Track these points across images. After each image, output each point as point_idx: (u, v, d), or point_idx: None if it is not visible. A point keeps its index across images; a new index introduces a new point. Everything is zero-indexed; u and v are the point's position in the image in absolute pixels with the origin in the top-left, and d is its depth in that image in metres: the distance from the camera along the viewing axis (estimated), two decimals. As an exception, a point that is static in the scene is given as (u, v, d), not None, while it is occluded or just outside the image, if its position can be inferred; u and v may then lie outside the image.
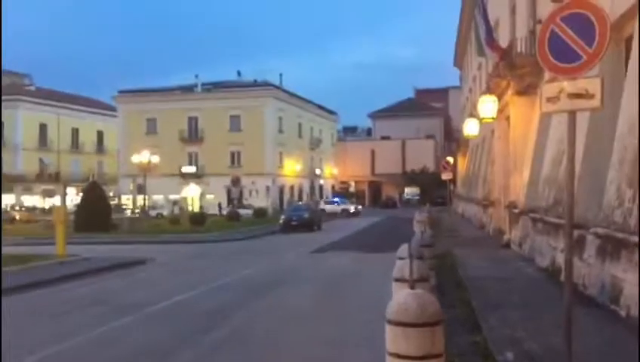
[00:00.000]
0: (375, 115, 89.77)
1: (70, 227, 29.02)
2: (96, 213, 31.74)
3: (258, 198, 57.54)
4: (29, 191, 62.51)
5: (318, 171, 73.93)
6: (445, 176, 28.82)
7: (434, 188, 68.61)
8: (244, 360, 7.01)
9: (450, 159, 43.75)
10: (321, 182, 76.01)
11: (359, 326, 8.53)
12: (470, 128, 23.28)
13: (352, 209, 53.29)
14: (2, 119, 61.91)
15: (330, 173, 78.87)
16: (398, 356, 5.14)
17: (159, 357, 7.20)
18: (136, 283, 14.27)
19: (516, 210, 16.67)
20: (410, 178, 78.84)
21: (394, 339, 5.19)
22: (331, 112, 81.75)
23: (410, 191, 78.18)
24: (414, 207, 52.56)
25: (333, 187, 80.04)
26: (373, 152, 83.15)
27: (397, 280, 7.60)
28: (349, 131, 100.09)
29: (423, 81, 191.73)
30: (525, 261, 13.77)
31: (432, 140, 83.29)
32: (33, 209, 53.98)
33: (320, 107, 77.01)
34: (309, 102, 73.32)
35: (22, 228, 37.74)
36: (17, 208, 55.51)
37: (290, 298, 11.64)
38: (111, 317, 9.64)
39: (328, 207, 52.77)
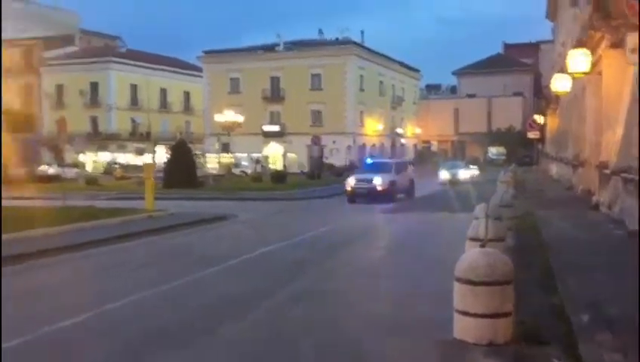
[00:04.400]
0: (460, 73, 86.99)
1: (159, 183, 30.51)
2: (182, 171, 33.03)
3: (339, 157, 57.72)
4: (122, 148, 65.77)
5: (399, 130, 72.98)
6: (532, 134, 27.73)
7: (520, 148, 66.16)
8: (318, 311, 7.21)
9: (539, 117, 41.88)
10: (403, 141, 75.08)
11: (430, 284, 8.51)
12: (560, 84, 22.02)
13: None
14: (97, 79, 65.23)
15: (412, 132, 77.69)
16: (466, 314, 5.13)
17: (239, 306, 7.53)
18: (218, 238, 14.86)
19: (607, 171, 15.82)
20: (495, 137, 76.35)
21: (462, 297, 5.18)
22: (414, 70, 79.97)
23: (495, 151, 75.80)
24: (499, 167, 51.00)
25: (415, 146, 78.95)
26: (457, 111, 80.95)
27: (471, 239, 7.51)
28: (433, 89, 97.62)
29: (512, 36, 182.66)
30: (614, 223, 13.12)
31: (521, 98, 79.90)
32: (126, 166, 56.85)
33: (402, 65, 75.47)
34: (391, 59, 71.94)
35: (116, 184, 39.98)
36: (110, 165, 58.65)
37: (364, 255, 11.76)
38: (195, 268, 10.13)
39: None
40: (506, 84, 79.83)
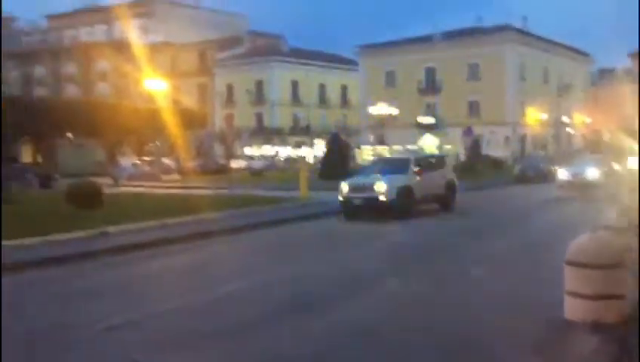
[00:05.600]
0: (636, 54, 79.25)
1: (316, 174, 32.13)
2: (337, 162, 34.36)
3: (497, 148, 55.90)
4: (284, 142, 69.61)
5: (565, 119, 68.62)
6: None
7: None
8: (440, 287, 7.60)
9: None
10: (570, 130, 70.48)
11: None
12: None
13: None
14: (262, 78, 69.60)
15: (580, 121, 72.58)
16: (575, 295, 5.24)
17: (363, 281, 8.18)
18: (357, 225, 15.53)
19: None
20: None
21: (571, 279, 5.29)
22: (583, 54, 74.55)
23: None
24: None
25: (583, 136, 73.71)
26: (633, 97, 74.00)
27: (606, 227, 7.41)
28: (606, 73, 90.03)
29: None
30: None
31: None
32: (287, 159, 60.16)
33: (570, 48, 70.72)
34: (557, 44, 67.74)
35: (277, 175, 42.63)
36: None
37: (504, 240, 11.73)
38: (335, 249, 10.96)
39: None
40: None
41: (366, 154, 61.89)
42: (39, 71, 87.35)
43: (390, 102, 54.04)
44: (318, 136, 68.97)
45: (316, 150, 65.77)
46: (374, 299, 7.37)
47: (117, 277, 9.39)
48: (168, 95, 47.18)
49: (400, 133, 58.74)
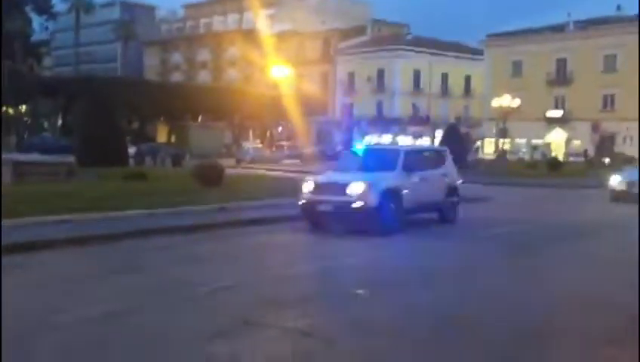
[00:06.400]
0: None
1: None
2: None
3: (632, 146, 52.09)
4: (402, 132, 69.26)
5: None
6: None
7: None
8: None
9: None
10: None
11: None
12: None
13: None
14: (384, 66, 69.59)
15: None
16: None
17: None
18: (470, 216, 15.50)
19: None
20: None
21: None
22: None
23: None
24: None
25: None
26: None
27: None
28: None
29: None
30: None
31: None
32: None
33: None
34: None
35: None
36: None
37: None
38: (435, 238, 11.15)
39: None
40: None
41: (488, 147, 60.34)
42: (176, 57, 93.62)
43: (516, 93, 52.03)
44: (439, 126, 67.89)
45: (436, 141, 64.88)
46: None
47: (229, 247, 10.31)
48: (291, 82, 48.84)
49: (525, 126, 56.47)
